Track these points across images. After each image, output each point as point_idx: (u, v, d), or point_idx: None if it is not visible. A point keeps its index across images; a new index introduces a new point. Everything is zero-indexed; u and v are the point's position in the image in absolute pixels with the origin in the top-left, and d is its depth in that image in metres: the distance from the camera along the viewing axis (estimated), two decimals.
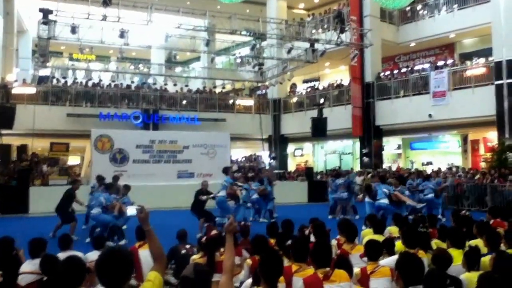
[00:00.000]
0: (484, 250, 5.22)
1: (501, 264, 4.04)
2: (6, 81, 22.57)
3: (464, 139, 23.96)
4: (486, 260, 4.76)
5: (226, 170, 13.82)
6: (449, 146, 25.03)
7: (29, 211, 16.12)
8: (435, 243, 6.04)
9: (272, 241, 6.14)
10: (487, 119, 19.60)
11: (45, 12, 16.26)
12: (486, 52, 21.38)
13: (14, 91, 22.10)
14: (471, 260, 4.63)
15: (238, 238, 6.70)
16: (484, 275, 3.80)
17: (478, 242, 5.60)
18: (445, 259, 4.63)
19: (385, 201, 12.36)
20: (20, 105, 20.96)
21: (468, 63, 21.82)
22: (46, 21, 16.39)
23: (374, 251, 5.10)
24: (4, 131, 20.38)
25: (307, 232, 6.64)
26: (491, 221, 7.51)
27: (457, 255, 4.97)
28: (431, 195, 14.63)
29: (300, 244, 4.75)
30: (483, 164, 21.41)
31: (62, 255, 5.08)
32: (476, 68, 20.84)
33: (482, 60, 21.31)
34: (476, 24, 21.20)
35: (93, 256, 6.01)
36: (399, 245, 5.76)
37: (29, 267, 5.10)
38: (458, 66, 21.78)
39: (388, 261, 4.97)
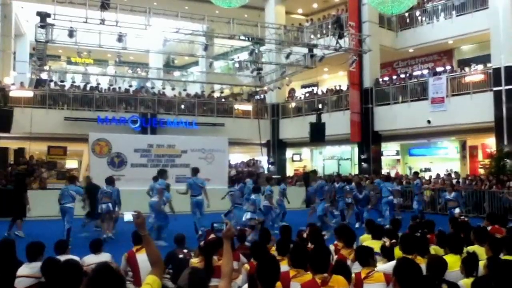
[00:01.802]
0: (482, 256, 5.19)
1: (495, 269, 4.02)
2: (4, 84, 22.61)
3: (463, 145, 23.93)
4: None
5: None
6: (447, 152, 25.00)
7: (26, 215, 16.02)
8: (433, 248, 6.02)
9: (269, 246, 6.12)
10: (485, 125, 19.62)
11: (43, 16, 16.23)
12: (485, 59, 21.44)
13: (11, 94, 22.16)
14: (469, 266, 4.60)
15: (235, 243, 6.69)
16: (478, 281, 3.78)
17: (476, 248, 5.58)
18: (439, 265, 4.59)
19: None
20: (18, 109, 20.95)
21: (466, 69, 21.84)
22: (43, 24, 16.36)
23: (364, 255, 5.07)
24: (1, 134, 20.32)
25: (305, 234, 6.62)
26: (489, 228, 7.49)
27: (455, 261, 4.93)
28: (391, 197, 14.72)
29: (298, 249, 4.72)
30: (481, 171, 21.44)
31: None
32: (475, 74, 20.87)
33: (480, 67, 21.35)
34: (475, 30, 21.21)
35: (89, 259, 5.98)
36: (396, 251, 5.74)
37: (27, 270, 5.06)
38: (457, 72, 21.82)
39: (386, 267, 4.95)
